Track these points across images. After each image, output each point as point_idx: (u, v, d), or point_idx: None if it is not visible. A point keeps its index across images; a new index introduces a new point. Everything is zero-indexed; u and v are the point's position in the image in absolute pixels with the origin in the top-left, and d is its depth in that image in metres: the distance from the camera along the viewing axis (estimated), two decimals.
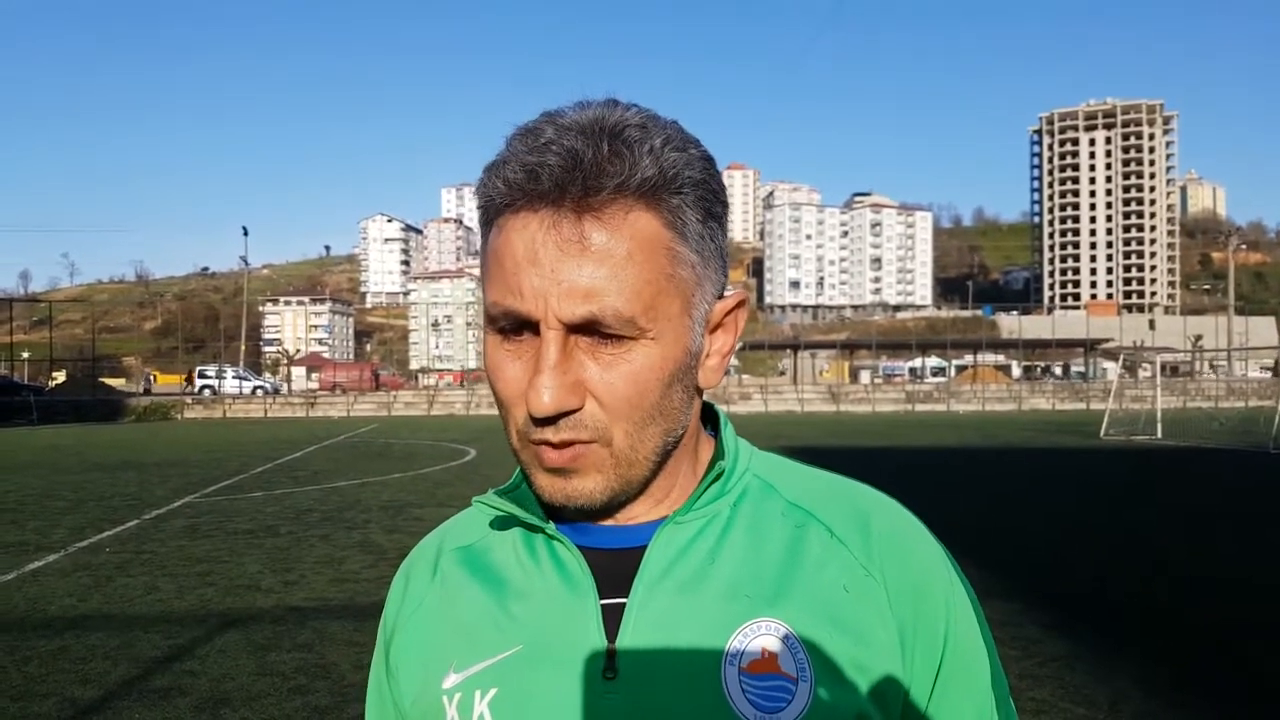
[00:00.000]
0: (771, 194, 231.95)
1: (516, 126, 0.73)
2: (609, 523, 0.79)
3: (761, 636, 0.73)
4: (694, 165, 0.72)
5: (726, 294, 0.79)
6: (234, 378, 61.91)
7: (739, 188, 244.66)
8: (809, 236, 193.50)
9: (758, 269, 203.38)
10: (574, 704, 0.73)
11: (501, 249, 0.71)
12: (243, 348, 73.43)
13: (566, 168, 0.68)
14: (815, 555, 0.77)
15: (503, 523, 0.83)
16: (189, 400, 51.39)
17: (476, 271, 0.83)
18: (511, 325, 0.72)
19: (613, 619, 0.75)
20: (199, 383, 62.06)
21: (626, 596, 0.75)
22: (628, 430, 0.72)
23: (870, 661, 0.74)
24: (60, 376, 66.73)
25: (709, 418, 0.87)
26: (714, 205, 0.74)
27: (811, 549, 0.77)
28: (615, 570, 0.77)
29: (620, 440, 0.72)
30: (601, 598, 0.76)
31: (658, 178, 0.69)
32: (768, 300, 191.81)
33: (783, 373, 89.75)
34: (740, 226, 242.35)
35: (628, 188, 0.69)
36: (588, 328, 0.70)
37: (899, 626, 0.75)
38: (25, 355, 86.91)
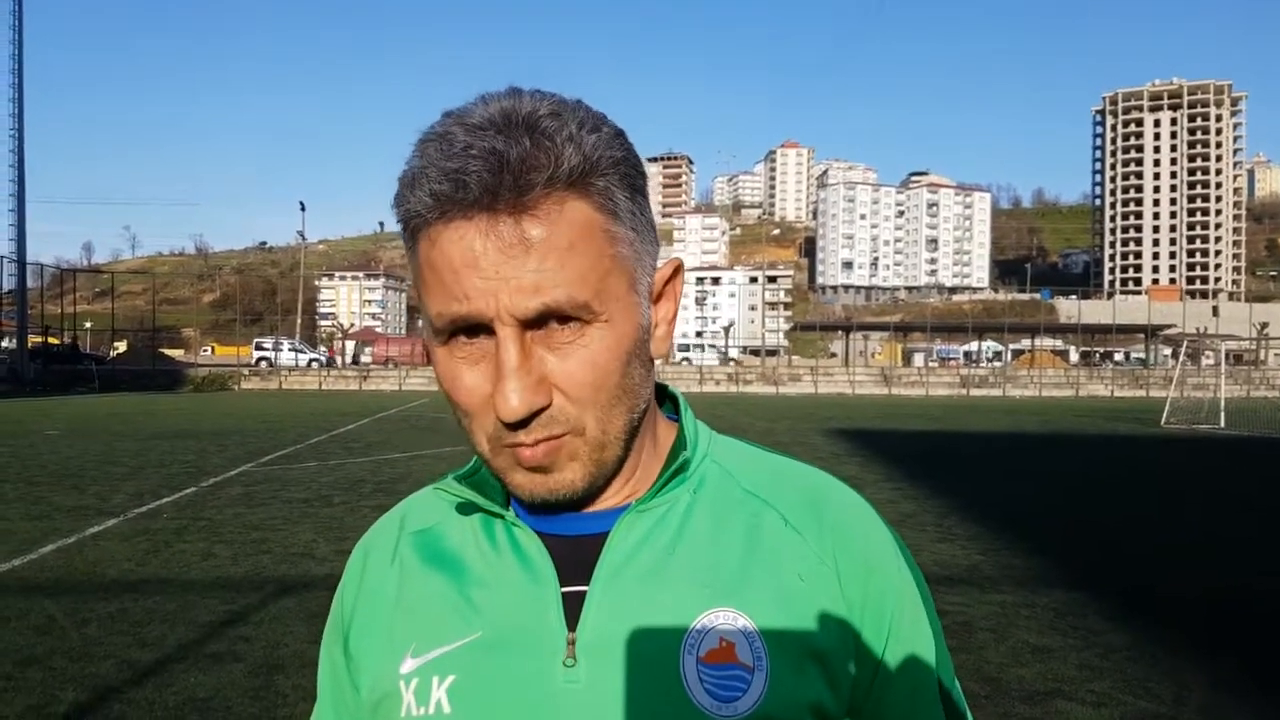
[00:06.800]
0: (825, 173, 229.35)
1: (421, 133, 0.71)
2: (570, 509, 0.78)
3: (719, 626, 0.74)
4: (613, 144, 0.71)
5: (659, 264, 0.79)
6: (290, 350, 62.84)
7: (793, 166, 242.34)
8: (863, 216, 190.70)
9: (810, 249, 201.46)
10: (533, 692, 0.73)
11: (438, 260, 0.69)
12: (299, 321, 74.41)
13: (493, 170, 0.66)
14: (771, 545, 0.78)
15: (464, 508, 0.83)
16: (246, 372, 52.31)
17: None
18: (463, 330, 0.70)
19: (573, 607, 0.75)
20: (255, 355, 63.09)
21: (587, 584, 0.75)
22: (598, 416, 0.72)
23: (823, 649, 0.75)
24: (121, 346, 68.35)
25: (664, 398, 0.87)
26: (637, 179, 0.74)
27: (767, 539, 0.78)
28: (576, 558, 0.77)
29: (592, 427, 0.72)
30: (562, 585, 0.76)
31: (583, 164, 0.69)
32: (819, 280, 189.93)
33: (834, 354, 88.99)
34: (793, 205, 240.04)
35: (557, 180, 0.68)
36: (542, 319, 0.69)
37: (848, 611, 0.76)
38: (88, 325, 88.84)
